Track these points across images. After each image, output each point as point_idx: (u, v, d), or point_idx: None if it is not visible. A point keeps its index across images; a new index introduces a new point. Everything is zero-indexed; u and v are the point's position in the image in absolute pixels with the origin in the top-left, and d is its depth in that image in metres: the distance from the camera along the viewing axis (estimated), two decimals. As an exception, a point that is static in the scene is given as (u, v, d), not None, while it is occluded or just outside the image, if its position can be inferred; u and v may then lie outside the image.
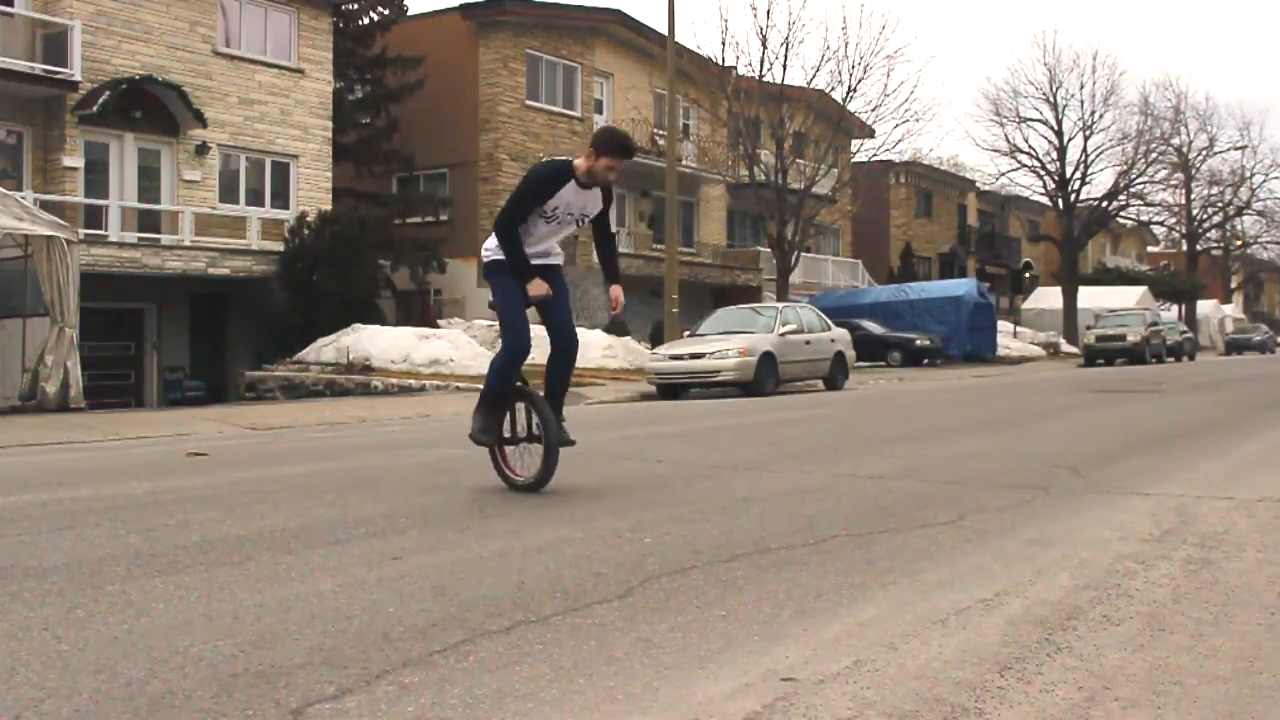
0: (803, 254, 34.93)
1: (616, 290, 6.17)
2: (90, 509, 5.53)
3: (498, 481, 6.25)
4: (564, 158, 5.92)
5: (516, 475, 5.97)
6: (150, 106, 22.78)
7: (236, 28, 24.72)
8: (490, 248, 5.94)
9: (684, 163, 32.61)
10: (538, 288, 5.76)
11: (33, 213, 16.12)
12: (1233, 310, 68.59)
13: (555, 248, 6.02)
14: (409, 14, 30.42)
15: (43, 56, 21.40)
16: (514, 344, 5.86)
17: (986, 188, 53.35)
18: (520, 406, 5.96)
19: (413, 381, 19.21)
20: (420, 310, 28.26)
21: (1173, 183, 55.58)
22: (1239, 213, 61.15)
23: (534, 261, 5.82)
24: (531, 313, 5.92)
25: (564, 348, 5.94)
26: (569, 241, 6.35)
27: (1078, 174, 47.50)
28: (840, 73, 33.55)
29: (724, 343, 18.19)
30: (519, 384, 5.96)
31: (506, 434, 6.01)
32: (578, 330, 6.30)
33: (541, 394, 5.90)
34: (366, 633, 3.13)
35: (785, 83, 32.64)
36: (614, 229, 6.31)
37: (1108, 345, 34.64)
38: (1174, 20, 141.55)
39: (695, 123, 35.82)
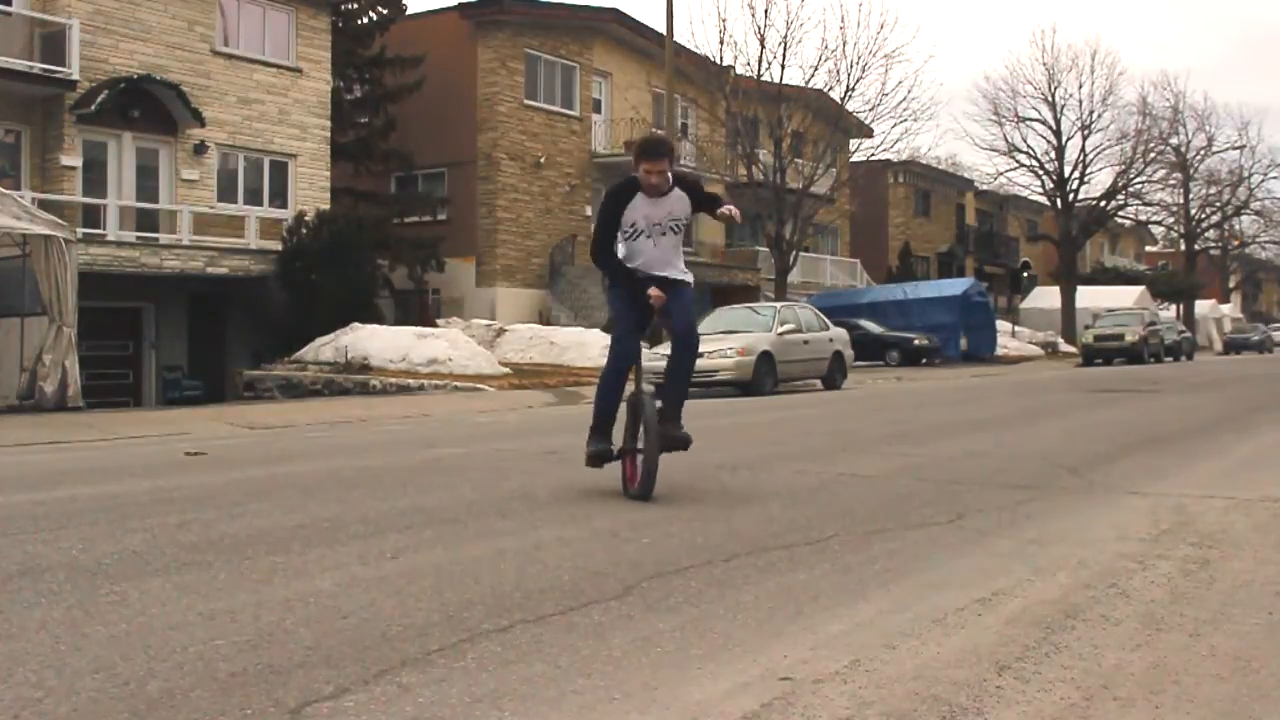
0: (801, 253, 34.92)
1: (730, 210, 5.86)
2: (88, 508, 5.53)
3: (495, 481, 6.26)
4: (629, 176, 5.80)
5: (631, 486, 5.73)
6: (148, 106, 22.75)
7: (235, 27, 24.70)
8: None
9: (682, 162, 32.59)
10: (656, 295, 5.61)
11: (31, 212, 16.10)
12: (1231, 310, 68.61)
13: (678, 263, 5.85)
14: (407, 13, 30.38)
15: (41, 55, 21.37)
16: (617, 357, 5.75)
17: (985, 187, 53.35)
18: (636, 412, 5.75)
19: (411, 381, 19.20)
20: (419, 310, 28.25)
21: (1171, 182, 55.64)
22: (1237, 212, 61.22)
23: (656, 273, 5.70)
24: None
25: (682, 344, 5.78)
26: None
27: (1076, 174, 47.55)
28: (838, 72, 33.55)
29: (722, 342, 18.18)
30: (631, 394, 5.79)
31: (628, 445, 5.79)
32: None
33: (656, 399, 5.74)
34: (365, 632, 3.13)
35: (783, 82, 32.64)
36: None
37: (1106, 345, 34.65)
38: (1173, 20, 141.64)
39: (694, 122, 35.81)
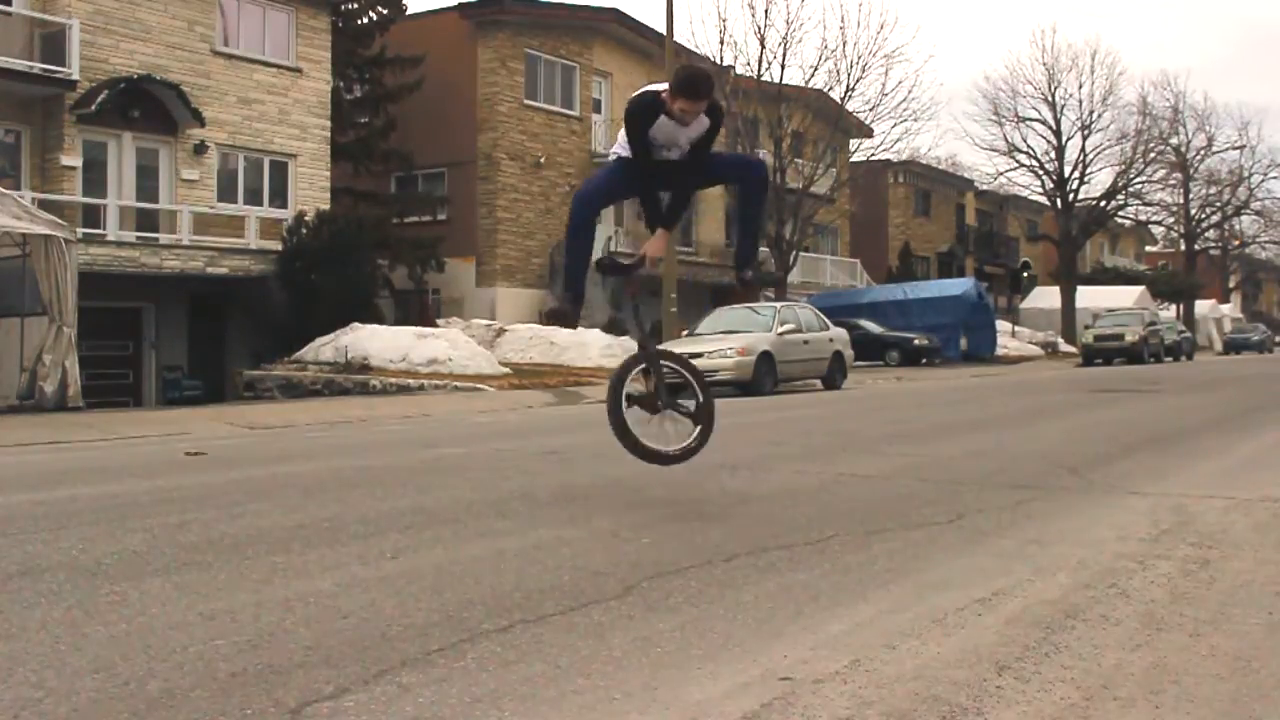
0: (801, 253, 34.92)
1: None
2: (88, 508, 5.53)
3: (495, 481, 6.24)
4: (654, 88, 5.27)
5: (659, 445, 5.32)
6: (148, 106, 22.76)
7: (235, 27, 24.70)
8: (621, 142, 5.43)
9: (682, 162, 32.56)
10: (657, 245, 5.47)
11: (31, 212, 16.10)
12: (1230, 310, 68.61)
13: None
14: (407, 13, 30.41)
15: (41, 55, 21.38)
16: (575, 205, 5.41)
17: (985, 187, 53.36)
18: (655, 370, 5.40)
19: (411, 381, 19.20)
20: (418, 309, 28.26)
21: (1171, 182, 55.67)
22: (1237, 212, 61.25)
23: (667, 155, 5.25)
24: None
25: (754, 171, 5.50)
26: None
27: (1076, 174, 47.58)
28: (838, 72, 33.59)
29: (722, 342, 18.19)
30: (645, 347, 5.44)
31: (637, 395, 5.36)
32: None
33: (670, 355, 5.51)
34: (365, 632, 3.13)
35: (783, 82, 32.65)
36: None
37: (1106, 345, 34.65)
38: (1173, 20, 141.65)
39: (694, 122, 35.78)
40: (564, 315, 5.52)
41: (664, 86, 5.19)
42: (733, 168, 5.82)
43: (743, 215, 5.76)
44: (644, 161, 5.26)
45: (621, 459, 5.47)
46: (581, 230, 5.49)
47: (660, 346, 5.63)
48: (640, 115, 5.16)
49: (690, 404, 5.42)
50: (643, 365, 5.42)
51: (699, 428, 5.39)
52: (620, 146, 5.43)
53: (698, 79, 5.15)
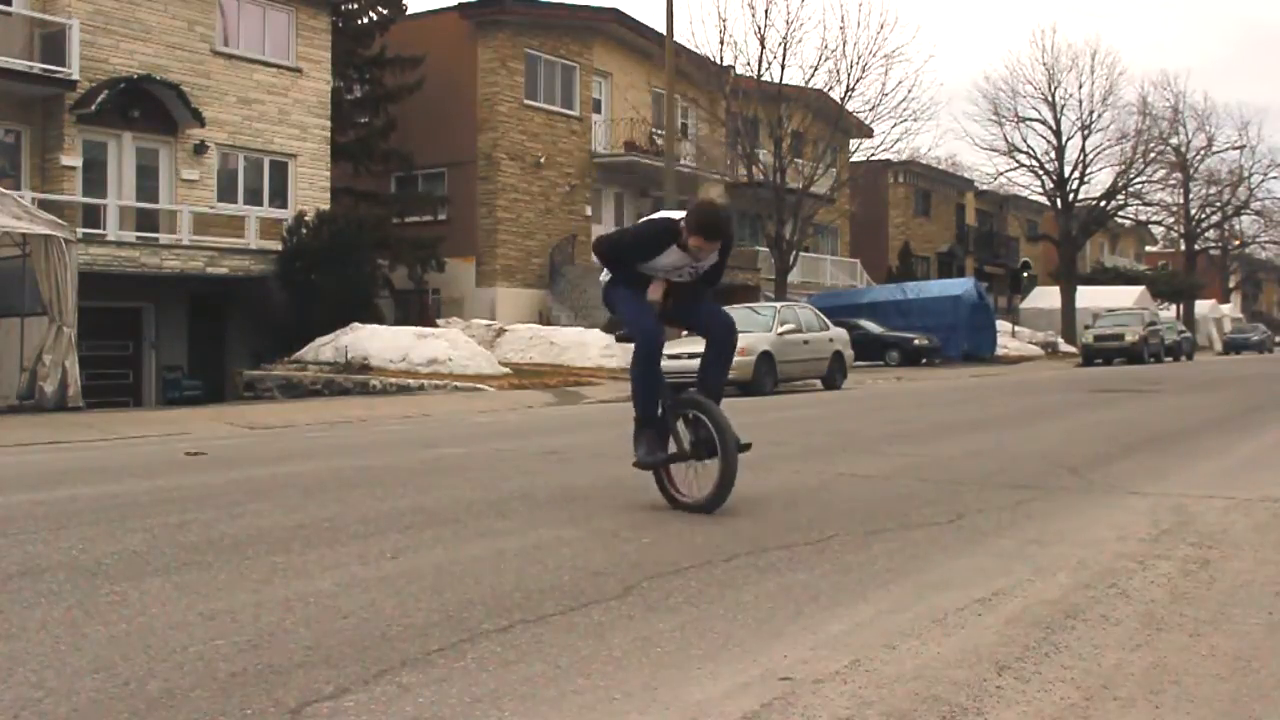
0: (801, 253, 34.90)
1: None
2: (88, 508, 5.53)
3: (495, 481, 6.25)
4: (673, 216, 5.29)
5: (683, 496, 5.31)
6: (148, 106, 22.75)
7: (235, 27, 24.69)
8: (607, 272, 5.51)
9: (682, 162, 32.60)
10: (655, 289, 5.27)
11: (31, 212, 16.10)
12: (1230, 310, 68.60)
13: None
14: (407, 13, 30.39)
15: (41, 55, 21.37)
16: (641, 337, 5.25)
17: (985, 187, 53.35)
18: (684, 417, 5.30)
19: (411, 381, 19.20)
20: (419, 309, 28.25)
21: (1171, 182, 55.62)
22: (1237, 212, 61.22)
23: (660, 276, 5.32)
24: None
25: (720, 339, 5.40)
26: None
27: (1076, 174, 47.53)
28: (838, 72, 33.50)
29: (722, 342, 18.15)
30: (684, 394, 5.35)
31: (671, 449, 5.32)
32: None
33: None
34: (365, 632, 3.13)
35: (783, 82, 32.63)
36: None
37: (1106, 345, 34.64)
38: (1173, 20, 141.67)
39: (694, 122, 35.80)
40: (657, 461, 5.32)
41: (681, 215, 5.19)
42: (716, 323, 5.48)
43: (711, 361, 5.47)
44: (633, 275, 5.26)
45: (621, 459, 5.47)
46: (650, 372, 5.32)
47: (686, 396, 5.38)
48: (656, 238, 5.18)
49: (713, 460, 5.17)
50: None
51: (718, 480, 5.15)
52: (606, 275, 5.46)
53: (718, 222, 5.14)
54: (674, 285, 5.31)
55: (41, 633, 3.15)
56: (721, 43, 32.43)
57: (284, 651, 2.94)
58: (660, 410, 5.32)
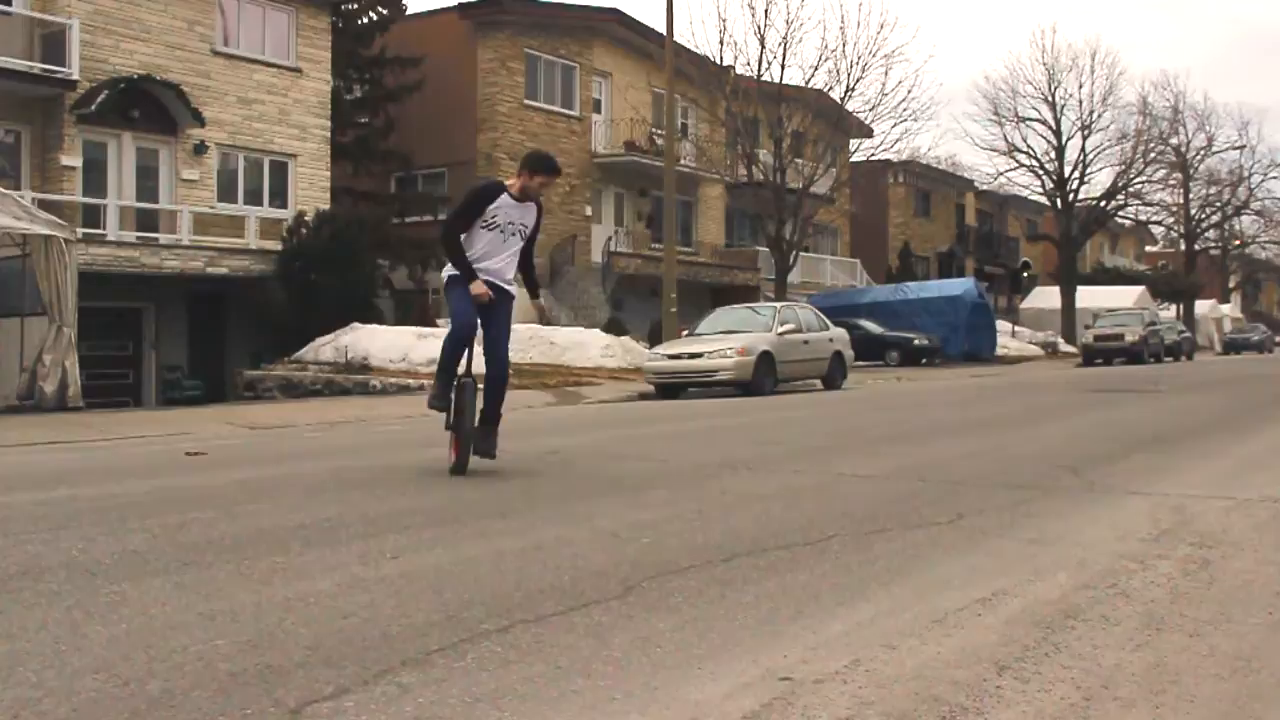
0: (801, 253, 34.91)
1: (540, 304, 7.32)
2: (89, 508, 5.53)
3: (496, 481, 6.25)
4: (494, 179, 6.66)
5: (451, 458, 6.61)
6: (148, 105, 22.75)
7: (235, 27, 24.70)
8: (449, 269, 6.70)
9: (682, 162, 32.60)
10: (478, 288, 6.47)
11: (31, 212, 16.10)
12: (1230, 310, 68.56)
13: (506, 271, 6.70)
14: (407, 14, 30.41)
15: (41, 55, 21.37)
16: (458, 322, 6.64)
17: (985, 187, 53.35)
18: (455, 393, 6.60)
19: (411, 381, 19.19)
20: (418, 309, 28.23)
21: (1171, 182, 55.62)
22: (1237, 212, 61.22)
23: (484, 278, 6.54)
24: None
25: (494, 377, 6.68)
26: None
27: (1076, 174, 47.53)
28: (838, 72, 33.52)
29: (722, 342, 18.17)
30: (463, 376, 6.64)
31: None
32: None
33: (479, 403, 6.65)
34: (365, 632, 3.13)
35: (783, 82, 32.64)
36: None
37: (1106, 345, 34.64)
38: (1173, 20, 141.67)
39: (694, 122, 35.81)
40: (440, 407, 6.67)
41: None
42: (495, 341, 6.80)
43: (486, 393, 6.77)
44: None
45: (622, 459, 5.47)
46: (459, 344, 6.70)
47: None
48: (482, 194, 6.60)
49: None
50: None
51: None
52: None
53: (545, 157, 6.84)
54: (492, 285, 6.59)
55: (41, 633, 3.15)
56: (721, 43, 32.51)
57: (284, 651, 2.94)
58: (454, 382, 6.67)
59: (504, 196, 6.57)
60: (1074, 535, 4.61)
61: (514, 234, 6.67)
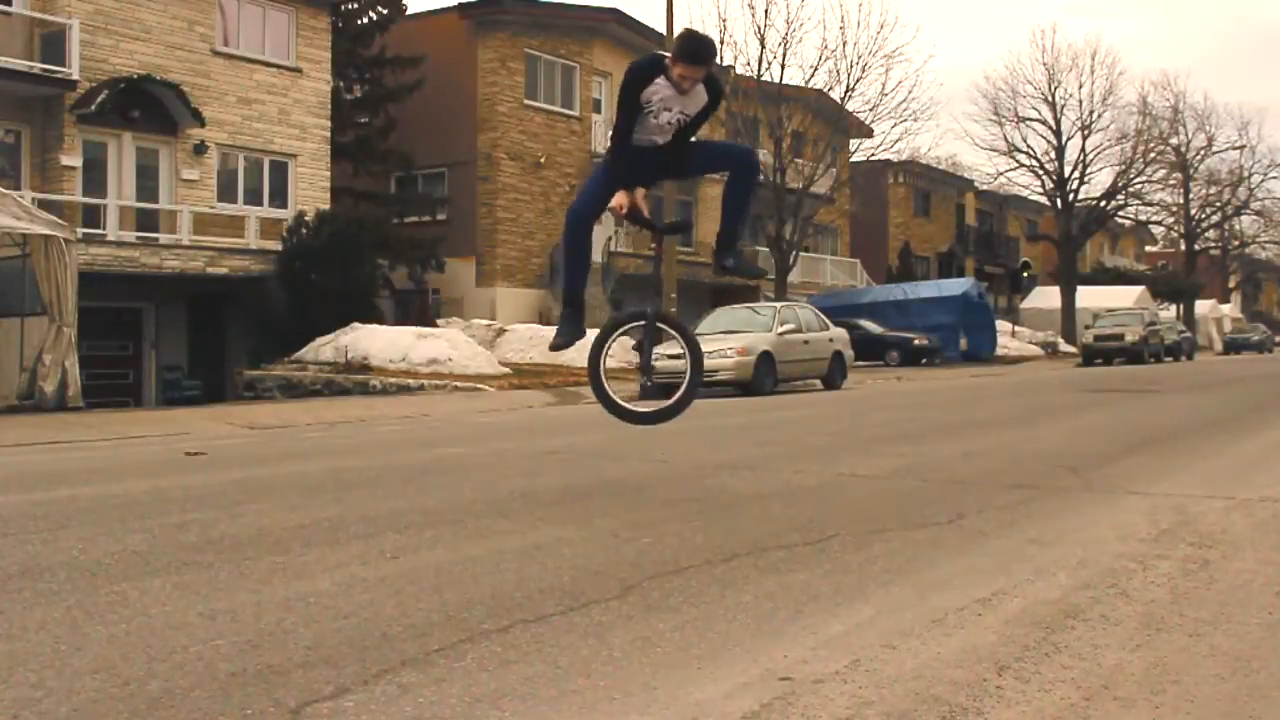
0: (801, 253, 34.92)
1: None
2: (88, 508, 5.53)
3: (495, 481, 6.24)
4: (658, 53, 5.37)
5: (634, 406, 5.75)
6: (148, 106, 22.75)
7: (235, 27, 24.70)
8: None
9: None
10: (619, 199, 5.31)
11: (31, 212, 16.10)
12: (1231, 310, 68.58)
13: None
14: (407, 13, 30.41)
15: (41, 55, 21.38)
16: (578, 203, 5.50)
17: (985, 187, 53.36)
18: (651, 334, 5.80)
19: (411, 381, 19.20)
20: (418, 309, 28.25)
21: (1171, 182, 55.63)
22: (1237, 212, 61.23)
23: (652, 140, 5.28)
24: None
25: (737, 164, 5.52)
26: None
27: (1076, 174, 47.56)
28: (838, 72, 33.63)
29: (722, 342, 18.18)
30: (646, 312, 5.81)
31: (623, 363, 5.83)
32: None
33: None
34: (365, 632, 3.13)
35: (783, 82, 32.65)
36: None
37: (1106, 345, 34.64)
38: (1173, 20, 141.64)
39: (694, 122, 35.77)
40: (567, 348, 5.74)
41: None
42: (721, 156, 5.77)
43: (728, 200, 5.52)
44: (625, 143, 5.25)
45: (622, 459, 5.46)
46: (577, 246, 5.51)
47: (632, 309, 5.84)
48: (642, 71, 5.13)
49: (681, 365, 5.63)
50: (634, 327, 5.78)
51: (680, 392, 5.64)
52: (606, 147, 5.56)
53: (701, 43, 5.10)
54: (663, 154, 5.30)
55: (41, 633, 3.15)
56: (721, 42, 32.47)
57: (284, 651, 2.94)
58: (582, 305, 5.70)
59: (661, 80, 5.11)
60: (1074, 535, 4.61)
61: (669, 115, 5.22)
